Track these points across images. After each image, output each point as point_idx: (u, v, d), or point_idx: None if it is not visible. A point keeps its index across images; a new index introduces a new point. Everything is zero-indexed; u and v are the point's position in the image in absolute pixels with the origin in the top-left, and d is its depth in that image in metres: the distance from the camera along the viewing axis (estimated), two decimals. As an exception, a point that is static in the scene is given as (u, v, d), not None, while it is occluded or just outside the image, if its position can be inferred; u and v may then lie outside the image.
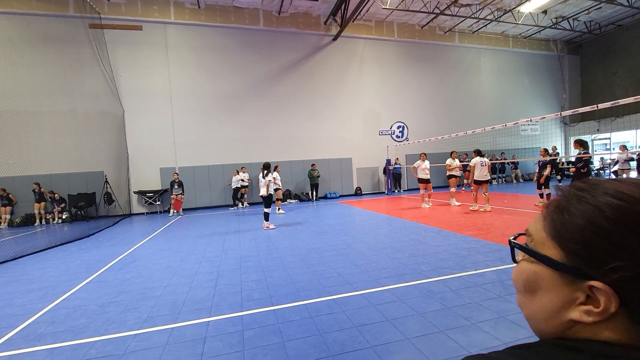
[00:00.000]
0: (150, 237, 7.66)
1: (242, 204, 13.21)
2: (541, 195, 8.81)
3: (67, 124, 11.68)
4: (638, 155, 12.47)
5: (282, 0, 12.94)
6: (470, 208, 8.58)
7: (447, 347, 2.36)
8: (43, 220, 11.26)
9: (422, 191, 9.84)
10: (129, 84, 12.35)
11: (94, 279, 4.61)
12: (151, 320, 3.11)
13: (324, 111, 14.82)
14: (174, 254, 5.78)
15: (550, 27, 16.44)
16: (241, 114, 13.67)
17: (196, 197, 13.17)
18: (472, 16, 14.67)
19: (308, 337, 2.61)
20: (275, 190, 10.25)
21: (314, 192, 13.87)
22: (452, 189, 10.03)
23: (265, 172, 7.64)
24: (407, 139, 16.20)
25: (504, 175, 17.26)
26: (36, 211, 11.06)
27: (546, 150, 8.96)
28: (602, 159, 15.87)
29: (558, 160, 15.76)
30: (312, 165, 13.79)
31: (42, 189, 10.96)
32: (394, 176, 15.23)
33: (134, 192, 12.48)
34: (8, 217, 10.94)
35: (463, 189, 14.25)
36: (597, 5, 14.99)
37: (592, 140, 18.91)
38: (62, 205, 11.36)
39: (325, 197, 14.70)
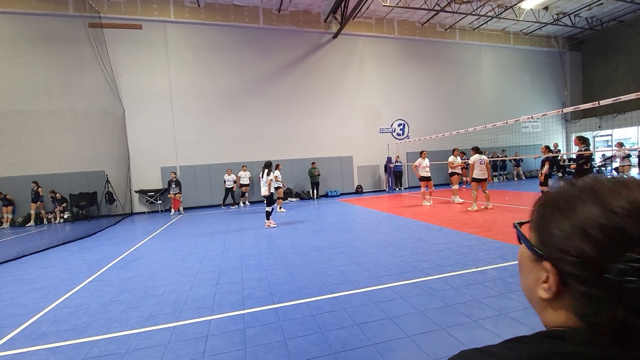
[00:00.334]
0: (152, 236, 7.68)
1: (244, 203, 13.22)
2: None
3: (68, 124, 11.68)
4: (639, 153, 12.40)
5: (281, -2, 12.91)
6: (469, 209, 8.23)
7: (448, 344, 2.36)
8: (44, 220, 11.28)
9: (423, 189, 9.82)
10: (129, 83, 12.34)
11: (95, 278, 4.63)
12: (153, 319, 3.12)
13: (325, 109, 14.79)
14: (175, 252, 5.80)
15: (551, 23, 16.35)
16: (241, 113, 13.65)
17: (197, 196, 13.19)
18: (473, 13, 14.60)
19: (309, 335, 2.62)
20: (277, 188, 10.26)
21: (315, 191, 13.86)
22: (455, 187, 10.00)
23: (267, 171, 7.65)
24: (407, 136, 16.16)
25: (505, 172, 17.21)
26: (32, 211, 11.04)
27: (547, 148, 8.90)
28: (603, 155, 15.81)
29: (559, 158, 15.74)
30: (313, 163, 13.78)
31: (39, 188, 10.94)
32: (394, 174, 15.22)
33: (135, 191, 12.50)
34: (10, 216, 10.97)
35: (464, 186, 14.24)
36: (598, 1, 14.91)
37: (594, 137, 18.84)
38: (64, 204, 11.38)
39: (326, 196, 14.71)
